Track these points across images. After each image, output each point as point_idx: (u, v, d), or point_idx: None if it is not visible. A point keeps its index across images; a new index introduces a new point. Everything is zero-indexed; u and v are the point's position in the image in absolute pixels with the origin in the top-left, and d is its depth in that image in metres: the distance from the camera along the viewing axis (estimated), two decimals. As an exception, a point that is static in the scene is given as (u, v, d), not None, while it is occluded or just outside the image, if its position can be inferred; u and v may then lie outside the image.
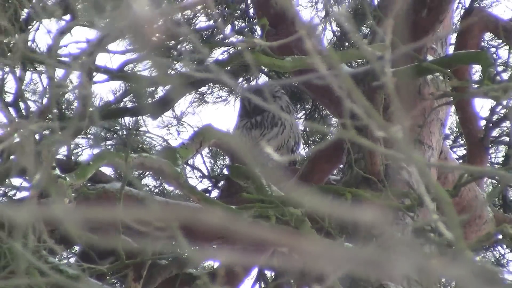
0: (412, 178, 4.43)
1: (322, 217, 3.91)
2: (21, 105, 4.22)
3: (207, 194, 5.51)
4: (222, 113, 8.35)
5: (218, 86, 6.28)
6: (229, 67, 5.26)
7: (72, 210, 3.21)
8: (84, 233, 3.26)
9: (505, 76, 5.50)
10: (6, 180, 3.74)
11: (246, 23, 5.71)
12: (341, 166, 5.10)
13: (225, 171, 6.12)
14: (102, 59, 4.67)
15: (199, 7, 5.27)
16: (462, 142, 6.14)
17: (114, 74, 4.61)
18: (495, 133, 5.77)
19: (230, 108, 6.52)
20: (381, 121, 1.46)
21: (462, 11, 5.50)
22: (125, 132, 5.79)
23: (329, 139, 5.43)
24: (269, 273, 5.88)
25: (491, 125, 5.31)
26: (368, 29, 5.93)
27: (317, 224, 3.92)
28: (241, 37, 5.21)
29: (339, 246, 3.76)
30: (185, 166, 5.59)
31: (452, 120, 6.19)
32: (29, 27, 4.48)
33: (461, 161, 5.87)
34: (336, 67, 1.64)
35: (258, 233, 1.69)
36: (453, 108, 5.33)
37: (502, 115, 5.44)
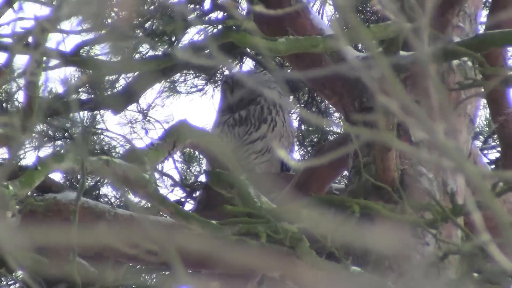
0: (434, 186, 4.40)
1: (323, 236, 3.87)
2: None
3: (181, 207, 5.43)
4: (197, 105, 8.38)
5: (192, 72, 6.21)
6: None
7: (15, 229, 3.35)
8: (30, 256, 3.35)
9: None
10: None
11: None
12: (346, 172, 5.01)
13: (203, 178, 6.06)
14: (53, 40, 4.58)
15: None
16: (494, 142, 6.15)
17: (67, 59, 4.50)
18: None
19: (208, 100, 6.51)
20: (425, 120, 1.44)
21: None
22: (79, 130, 5.72)
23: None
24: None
25: (530, 122, 5.22)
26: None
27: (317, 243, 3.75)
28: (223, 13, 5.08)
29: (344, 271, 3.77)
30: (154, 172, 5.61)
31: (482, 115, 6.28)
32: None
33: (493, 165, 5.87)
34: (371, 49, 1.62)
35: (245, 258, 1.84)
36: (483, 101, 5.25)
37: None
